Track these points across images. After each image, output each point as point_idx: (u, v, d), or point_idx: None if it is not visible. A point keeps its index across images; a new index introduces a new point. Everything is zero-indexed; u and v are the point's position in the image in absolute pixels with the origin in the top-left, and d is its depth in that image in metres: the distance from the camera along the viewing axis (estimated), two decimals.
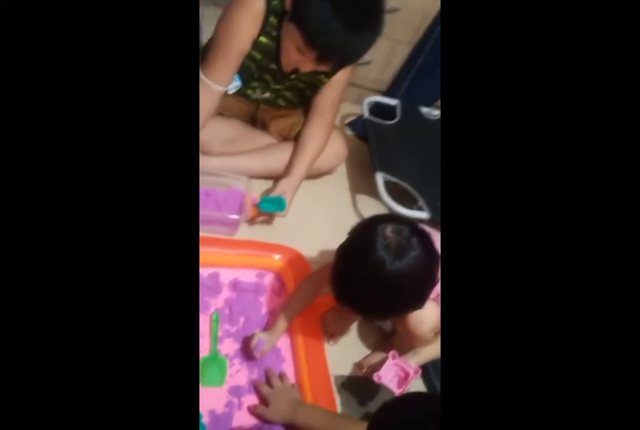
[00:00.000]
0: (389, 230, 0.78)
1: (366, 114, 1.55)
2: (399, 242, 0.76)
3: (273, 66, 1.17)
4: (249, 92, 1.26)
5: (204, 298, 1.05)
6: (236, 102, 1.31)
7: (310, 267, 1.14)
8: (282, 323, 1.00)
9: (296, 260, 1.14)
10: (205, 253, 1.06)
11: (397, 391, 0.91)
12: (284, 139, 1.38)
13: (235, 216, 1.16)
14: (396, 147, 1.46)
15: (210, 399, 0.92)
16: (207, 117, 1.18)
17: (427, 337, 0.95)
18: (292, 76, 1.20)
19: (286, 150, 1.33)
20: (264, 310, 1.09)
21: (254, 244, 1.16)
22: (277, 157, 1.33)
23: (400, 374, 0.91)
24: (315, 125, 1.28)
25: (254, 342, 0.96)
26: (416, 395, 0.59)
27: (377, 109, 1.59)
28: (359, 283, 0.79)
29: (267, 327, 1.05)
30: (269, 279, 1.14)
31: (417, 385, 1.07)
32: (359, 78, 1.65)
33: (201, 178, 1.20)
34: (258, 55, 1.14)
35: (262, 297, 1.11)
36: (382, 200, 1.29)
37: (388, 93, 1.68)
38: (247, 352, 1.00)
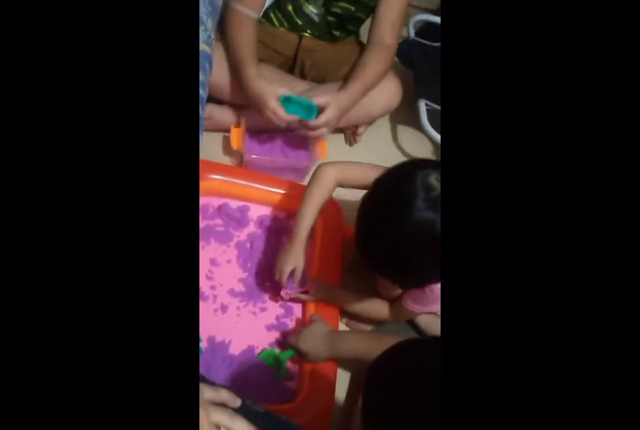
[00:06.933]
0: (433, 178, 0.64)
1: (412, 34, 1.40)
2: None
3: None
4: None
5: (228, 229, 1.05)
6: (277, 38, 1.15)
7: (343, 217, 1.09)
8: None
9: (330, 208, 1.09)
10: (237, 185, 1.04)
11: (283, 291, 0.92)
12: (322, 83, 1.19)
13: (304, 162, 1.13)
14: None
15: (211, 326, 0.92)
16: (253, 49, 1.04)
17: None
18: None
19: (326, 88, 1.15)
20: None
21: (290, 184, 1.10)
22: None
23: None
24: (375, 48, 1.11)
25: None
26: (416, 342, 0.54)
27: (426, 30, 1.44)
28: (397, 246, 0.68)
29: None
30: None
31: None
32: None
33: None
34: None
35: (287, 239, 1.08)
36: (424, 129, 1.21)
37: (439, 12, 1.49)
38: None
